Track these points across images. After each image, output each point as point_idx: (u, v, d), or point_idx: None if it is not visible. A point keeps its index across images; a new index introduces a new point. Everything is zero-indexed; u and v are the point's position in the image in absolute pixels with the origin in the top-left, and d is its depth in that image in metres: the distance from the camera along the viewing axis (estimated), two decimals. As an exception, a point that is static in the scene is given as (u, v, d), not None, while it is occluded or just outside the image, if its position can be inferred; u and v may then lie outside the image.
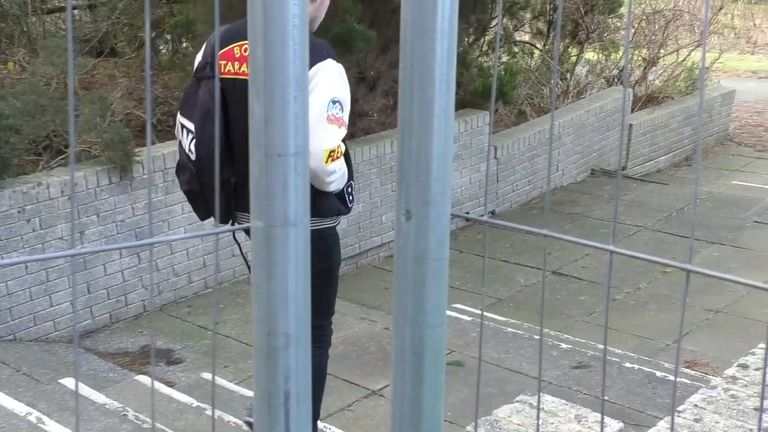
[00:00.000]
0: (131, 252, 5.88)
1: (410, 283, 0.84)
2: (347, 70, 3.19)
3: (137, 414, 4.25)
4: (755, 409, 2.75)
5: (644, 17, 11.37)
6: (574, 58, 10.89)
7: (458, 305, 6.11)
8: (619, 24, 11.61)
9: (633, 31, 11.20)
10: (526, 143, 8.53)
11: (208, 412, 4.10)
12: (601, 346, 5.61)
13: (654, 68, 11.28)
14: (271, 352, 0.86)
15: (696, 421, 2.67)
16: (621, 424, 3.06)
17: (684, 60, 11.41)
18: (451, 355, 5.26)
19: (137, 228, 5.87)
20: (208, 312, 5.98)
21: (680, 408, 2.76)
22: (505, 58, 10.72)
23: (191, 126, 3.16)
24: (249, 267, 2.70)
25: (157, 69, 7.77)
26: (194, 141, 3.15)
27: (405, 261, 0.85)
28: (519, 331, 5.64)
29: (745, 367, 3.05)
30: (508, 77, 8.51)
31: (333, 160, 2.98)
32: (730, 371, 3.04)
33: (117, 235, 5.76)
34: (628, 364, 5.04)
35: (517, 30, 11.29)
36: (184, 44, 8.06)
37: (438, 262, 0.83)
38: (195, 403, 4.44)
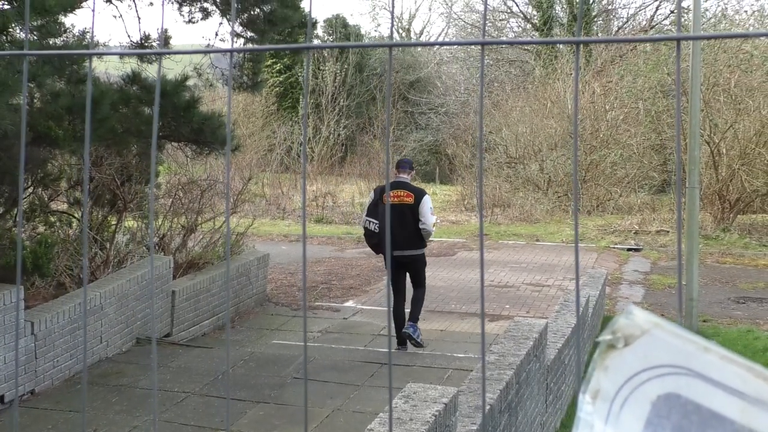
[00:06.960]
0: None
1: None
2: None
3: None
4: None
5: (180, 187, 11.79)
6: (113, 227, 10.87)
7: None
8: (158, 193, 11.87)
9: (171, 200, 11.52)
10: (67, 316, 8.21)
11: None
12: None
13: (193, 235, 11.65)
14: None
15: None
16: None
17: (221, 226, 11.96)
18: None
19: None
20: None
21: None
22: (41, 229, 10.34)
23: (375, 221, 9.19)
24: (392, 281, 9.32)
25: None
26: (377, 226, 9.16)
27: None
28: None
29: None
30: (44, 249, 8.21)
31: (435, 227, 9.35)
32: None
33: None
34: None
35: (53, 200, 11.01)
36: None
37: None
38: None
